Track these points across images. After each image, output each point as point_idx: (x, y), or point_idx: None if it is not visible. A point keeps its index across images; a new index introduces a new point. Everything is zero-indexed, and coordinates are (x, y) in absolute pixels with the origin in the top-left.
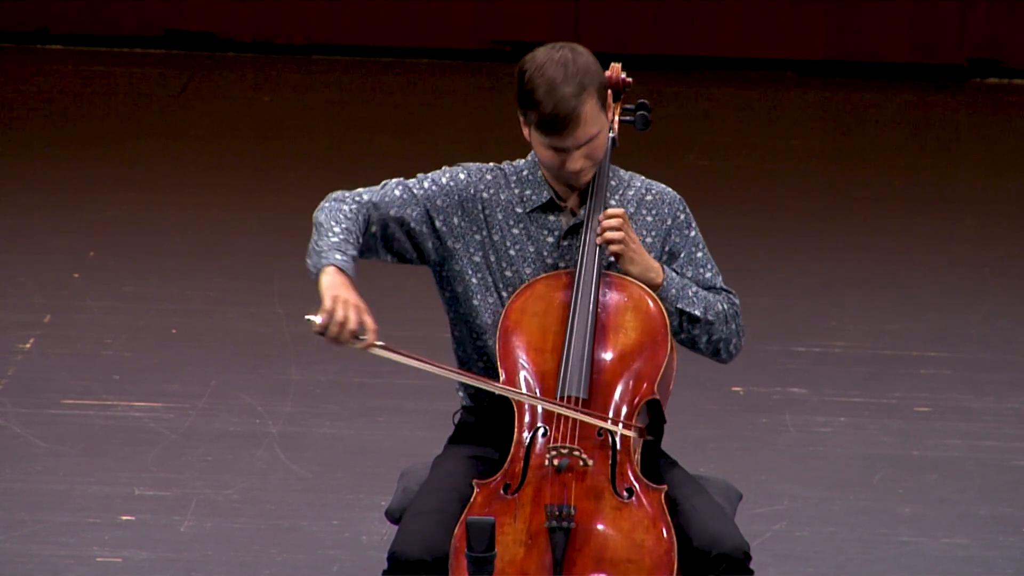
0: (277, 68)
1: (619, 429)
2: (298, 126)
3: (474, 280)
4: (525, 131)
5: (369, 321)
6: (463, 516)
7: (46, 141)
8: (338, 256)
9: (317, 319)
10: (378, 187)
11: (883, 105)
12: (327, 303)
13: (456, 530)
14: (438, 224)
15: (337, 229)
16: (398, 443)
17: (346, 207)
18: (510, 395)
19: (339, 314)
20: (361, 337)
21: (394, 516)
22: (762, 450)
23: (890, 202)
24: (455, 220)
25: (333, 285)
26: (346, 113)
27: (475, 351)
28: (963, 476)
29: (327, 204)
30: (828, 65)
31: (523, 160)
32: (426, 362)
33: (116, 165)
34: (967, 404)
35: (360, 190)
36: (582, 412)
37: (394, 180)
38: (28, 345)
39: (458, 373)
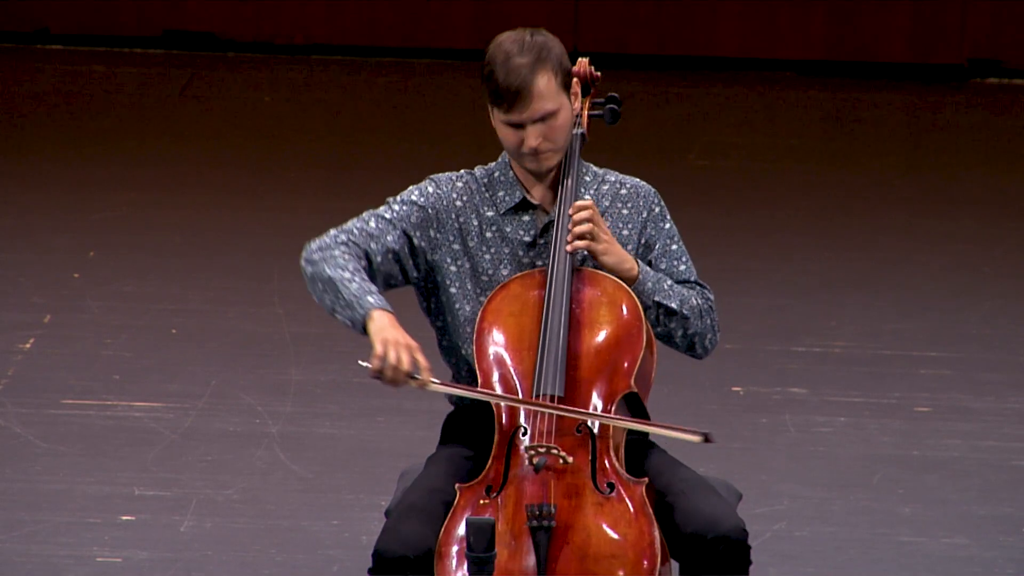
0: (277, 68)
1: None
2: (298, 126)
3: (452, 290)
4: (493, 119)
5: (421, 359)
6: (447, 520)
7: (46, 141)
8: (371, 299)
9: (369, 364)
10: (351, 223)
11: (883, 105)
12: (378, 348)
13: (440, 535)
14: (416, 242)
15: (348, 276)
16: (398, 443)
17: (337, 252)
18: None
19: (392, 357)
20: (416, 376)
21: None
22: (762, 450)
23: (890, 202)
24: (431, 233)
25: (381, 329)
26: (346, 113)
27: (461, 359)
28: (963, 476)
29: (315, 256)
30: (828, 65)
31: (494, 163)
32: (484, 393)
33: (116, 165)
34: (967, 404)
35: (334, 232)
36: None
37: (366, 213)
38: (28, 345)
39: (524, 402)
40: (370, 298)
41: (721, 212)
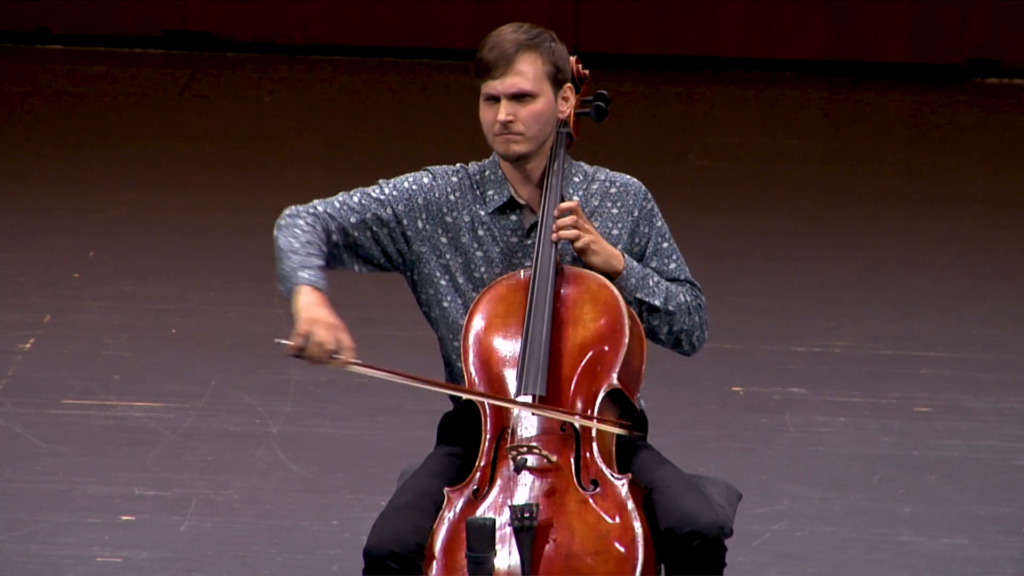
0: (277, 68)
1: (582, 421)
2: (298, 126)
3: (443, 283)
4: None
5: (345, 339)
6: (436, 523)
7: (46, 141)
8: (305, 274)
9: (289, 342)
10: (337, 195)
11: (883, 105)
12: (301, 326)
13: (430, 538)
14: (400, 227)
15: (296, 245)
16: (398, 443)
17: (301, 221)
18: (477, 399)
19: (315, 335)
20: (336, 356)
21: None
22: (762, 450)
23: (890, 202)
24: (419, 224)
25: (306, 306)
26: (346, 113)
27: (454, 352)
28: (963, 476)
29: (283, 222)
30: (828, 65)
31: (487, 160)
32: (400, 375)
33: (116, 165)
34: (967, 404)
35: (315, 202)
36: (550, 409)
37: (354, 189)
38: (28, 345)
39: (431, 383)
40: (303, 273)
41: (721, 212)
